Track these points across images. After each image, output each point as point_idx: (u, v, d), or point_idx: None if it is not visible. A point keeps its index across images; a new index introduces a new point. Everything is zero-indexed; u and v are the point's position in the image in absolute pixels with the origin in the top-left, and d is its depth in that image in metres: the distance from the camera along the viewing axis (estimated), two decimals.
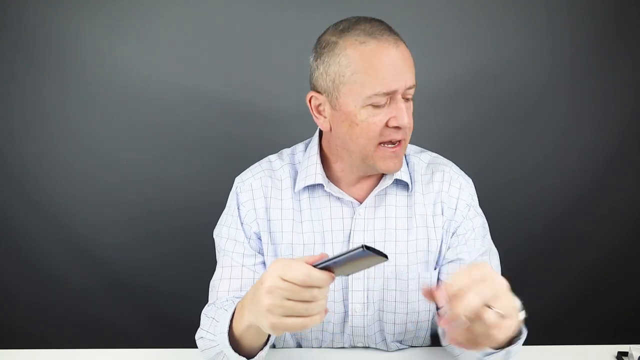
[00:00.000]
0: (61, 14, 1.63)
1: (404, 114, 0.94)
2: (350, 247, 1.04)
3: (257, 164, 1.13)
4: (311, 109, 1.03)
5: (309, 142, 1.12)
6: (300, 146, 1.13)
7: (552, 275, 1.82)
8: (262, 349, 0.90)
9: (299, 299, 0.70)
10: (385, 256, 0.68)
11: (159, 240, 1.76)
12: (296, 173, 1.08)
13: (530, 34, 1.68)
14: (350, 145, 0.99)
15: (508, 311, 0.70)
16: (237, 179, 1.11)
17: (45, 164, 1.71)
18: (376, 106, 0.94)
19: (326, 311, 0.73)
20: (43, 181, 1.72)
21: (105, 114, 1.70)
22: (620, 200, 1.78)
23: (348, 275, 0.74)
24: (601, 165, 1.76)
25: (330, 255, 0.70)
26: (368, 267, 0.72)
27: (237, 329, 0.85)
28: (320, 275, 0.70)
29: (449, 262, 1.07)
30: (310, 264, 0.70)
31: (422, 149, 1.15)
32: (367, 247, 0.66)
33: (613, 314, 1.83)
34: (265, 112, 1.71)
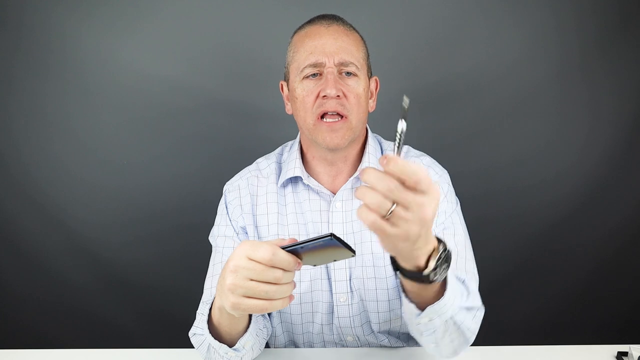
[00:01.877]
0: (60, 14, 1.63)
1: (329, 84, 1.01)
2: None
3: (245, 168, 1.19)
4: (283, 98, 1.13)
5: (294, 141, 1.18)
6: (288, 146, 1.20)
7: (552, 276, 1.82)
8: (241, 336, 0.90)
9: (262, 280, 0.71)
10: (353, 251, 0.68)
11: (159, 240, 1.76)
12: (281, 170, 1.14)
13: (528, 36, 1.68)
14: (299, 122, 1.07)
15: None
16: (227, 184, 1.17)
17: (44, 164, 1.71)
18: (308, 78, 1.04)
19: (291, 298, 0.73)
20: (43, 181, 1.72)
21: (104, 114, 1.70)
22: (621, 202, 1.77)
23: (315, 265, 0.74)
24: (602, 166, 1.76)
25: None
26: (335, 260, 0.72)
27: (215, 316, 0.87)
28: (285, 256, 0.70)
29: None
30: (278, 246, 0.71)
31: (411, 147, 1.18)
32: (335, 237, 0.66)
33: (613, 314, 1.83)
34: (266, 111, 1.71)
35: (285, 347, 1.14)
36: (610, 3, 1.66)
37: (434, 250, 0.70)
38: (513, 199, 1.76)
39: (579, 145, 1.75)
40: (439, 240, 0.71)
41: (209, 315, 0.89)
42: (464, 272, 1.00)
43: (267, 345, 1.14)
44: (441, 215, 1.07)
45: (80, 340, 1.76)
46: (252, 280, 0.71)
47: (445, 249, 0.71)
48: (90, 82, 1.67)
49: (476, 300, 0.87)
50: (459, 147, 1.72)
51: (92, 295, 1.78)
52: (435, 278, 0.71)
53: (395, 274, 0.75)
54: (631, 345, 1.04)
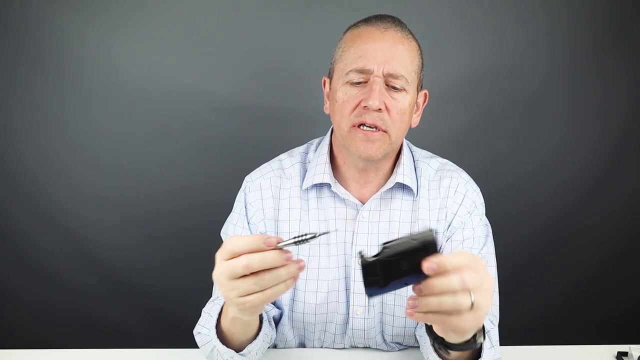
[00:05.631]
0: (62, 14, 1.63)
1: (372, 95, 0.94)
2: (354, 249, 1.04)
3: (267, 163, 1.13)
4: (324, 95, 1.07)
5: (322, 140, 1.13)
6: (314, 144, 1.14)
7: (553, 275, 1.82)
8: (250, 342, 0.89)
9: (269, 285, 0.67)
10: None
11: (159, 240, 1.76)
12: (305, 172, 1.09)
13: (530, 35, 1.68)
14: (335, 125, 1.02)
15: (481, 305, 0.64)
16: (247, 178, 1.11)
17: (45, 164, 1.71)
18: (352, 84, 0.97)
19: (296, 277, 0.68)
20: (43, 181, 1.72)
21: (105, 115, 1.70)
22: (620, 201, 1.78)
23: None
24: (601, 166, 1.76)
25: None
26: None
27: (225, 323, 0.86)
28: (262, 257, 0.66)
29: None
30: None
31: (433, 154, 1.15)
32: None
33: (613, 314, 1.83)
34: (267, 112, 1.70)
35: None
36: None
37: None
38: (512, 200, 1.76)
39: (579, 147, 1.75)
40: None
41: (218, 319, 0.88)
42: (490, 317, 0.99)
43: (275, 346, 1.13)
44: (478, 239, 1.05)
45: (81, 340, 1.76)
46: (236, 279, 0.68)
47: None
48: (91, 83, 1.67)
49: (497, 353, 0.89)
50: (456, 147, 1.72)
51: (92, 295, 1.78)
52: (478, 344, 0.72)
53: (436, 347, 0.75)
54: (631, 345, 1.04)
